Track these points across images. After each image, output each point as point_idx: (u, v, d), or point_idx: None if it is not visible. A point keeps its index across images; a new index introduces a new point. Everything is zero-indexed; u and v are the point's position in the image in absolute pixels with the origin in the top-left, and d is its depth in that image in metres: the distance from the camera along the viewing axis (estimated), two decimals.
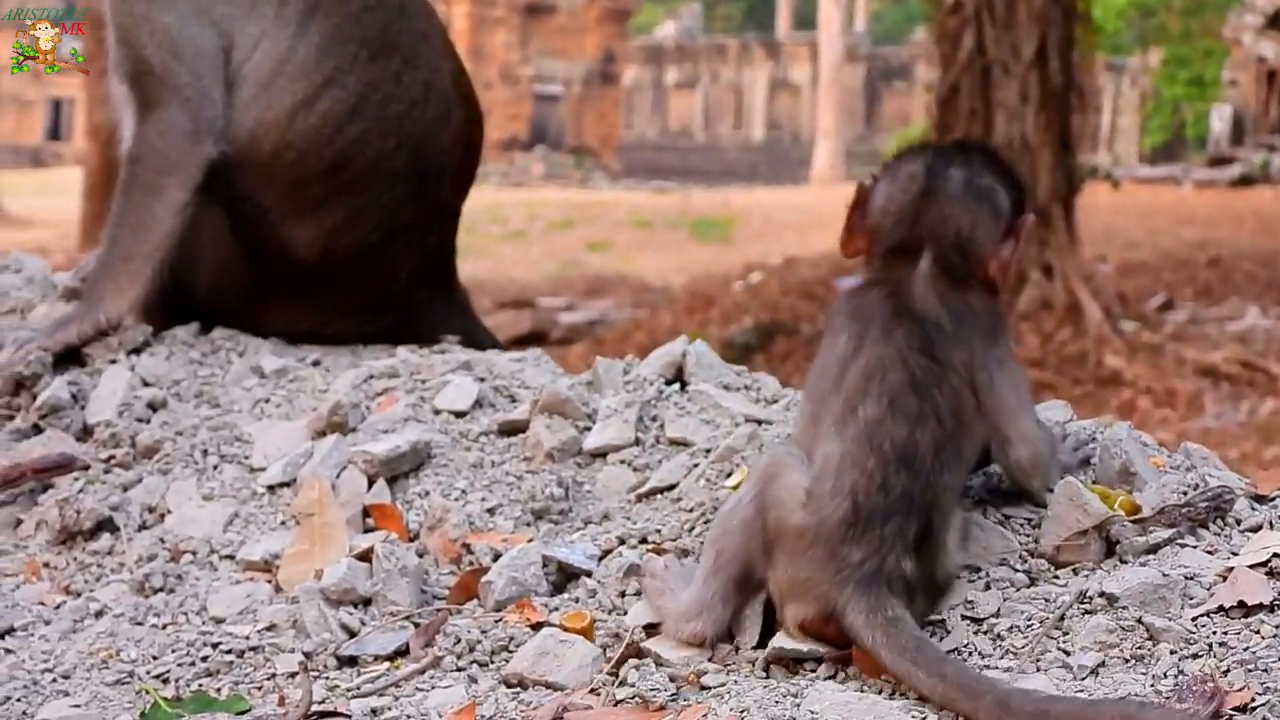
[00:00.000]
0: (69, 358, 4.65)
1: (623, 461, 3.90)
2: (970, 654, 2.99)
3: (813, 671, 3.01)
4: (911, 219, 3.17)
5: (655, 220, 32.88)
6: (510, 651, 3.31)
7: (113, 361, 4.61)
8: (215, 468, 4.22)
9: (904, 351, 3.04)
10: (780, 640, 3.05)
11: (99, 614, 3.81)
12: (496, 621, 3.42)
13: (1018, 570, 3.20)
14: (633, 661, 3.15)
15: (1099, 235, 23.05)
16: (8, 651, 3.72)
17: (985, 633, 3.04)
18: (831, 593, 2.96)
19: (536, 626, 3.35)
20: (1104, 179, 27.07)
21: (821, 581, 2.97)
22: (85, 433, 4.43)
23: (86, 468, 4.27)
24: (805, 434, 3.16)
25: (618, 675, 3.13)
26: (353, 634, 3.50)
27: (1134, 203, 30.45)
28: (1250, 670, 2.76)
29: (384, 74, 4.79)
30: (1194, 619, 2.94)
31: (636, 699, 3.03)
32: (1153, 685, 2.80)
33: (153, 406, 4.44)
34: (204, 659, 3.52)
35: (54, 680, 3.56)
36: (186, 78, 4.68)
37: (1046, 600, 3.08)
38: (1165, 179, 39.52)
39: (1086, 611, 3.01)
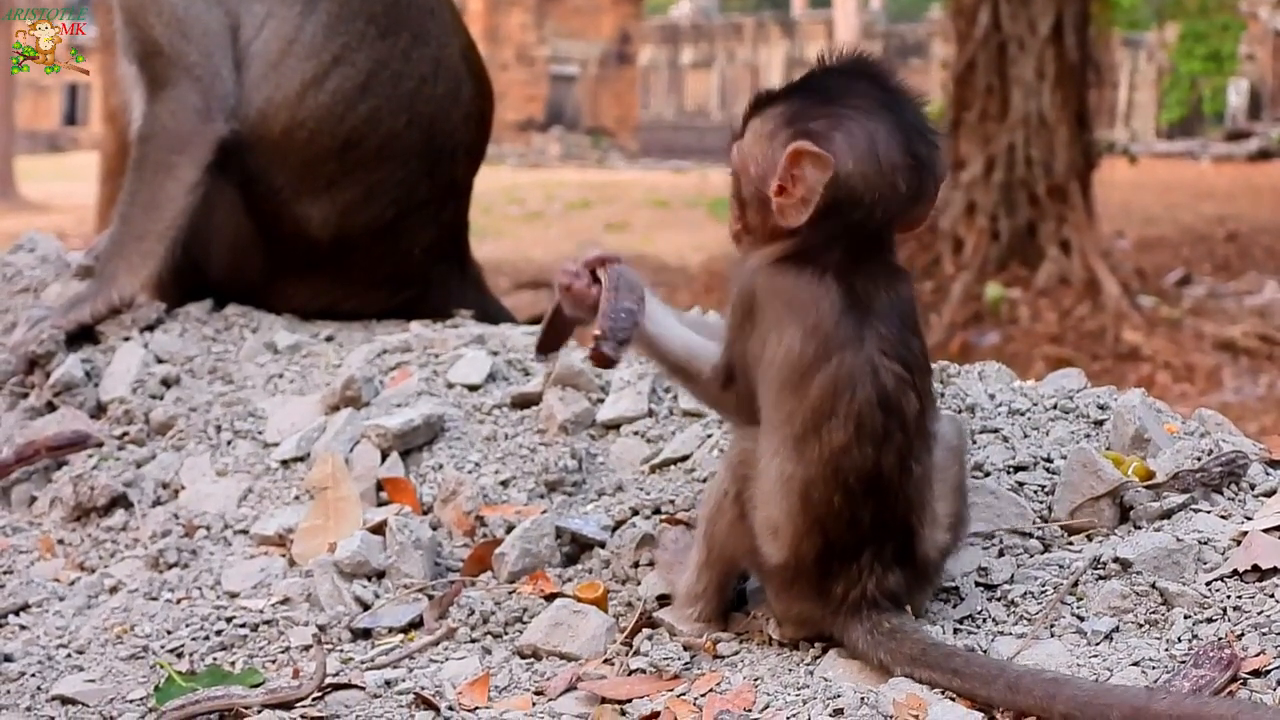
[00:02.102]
0: (82, 335, 4.66)
1: (636, 433, 3.89)
2: (984, 620, 2.99)
3: (826, 640, 3.00)
4: (899, 204, 2.91)
5: (673, 200, 32.80)
6: (524, 623, 3.31)
7: (126, 339, 4.61)
8: (229, 443, 4.22)
9: (875, 361, 2.86)
10: (779, 633, 3.06)
11: (113, 590, 3.81)
12: (510, 593, 3.42)
13: (1031, 537, 3.19)
14: (646, 631, 3.15)
15: (1117, 211, 23.00)
16: (23, 628, 3.73)
17: (999, 599, 3.03)
18: (825, 622, 2.95)
19: (550, 597, 3.35)
20: (1121, 154, 26.98)
21: (813, 612, 2.95)
22: (99, 410, 4.44)
23: (100, 444, 4.27)
24: (758, 416, 2.96)
25: (631, 645, 3.13)
26: (367, 607, 3.50)
27: (1151, 178, 30.35)
28: (1265, 634, 2.75)
29: (393, 51, 4.78)
30: (1208, 583, 2.93)
31: (650, 668, 3.03)
32: (1167, 650, 2.79)
33: (166, 383, 4.44)
34: (218, 633, 3.52)
35: (69, 655, 3.56)
36: (196, 56, 4.68)
37: (1060, 566, 3.08)
38: (1183, 154, 39.45)
39: (1100, 577, 3.00)
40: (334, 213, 4.78)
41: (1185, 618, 2.86)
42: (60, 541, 4.08)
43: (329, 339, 4.67)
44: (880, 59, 3.06)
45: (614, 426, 3.94)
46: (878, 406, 2.85)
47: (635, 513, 3.56)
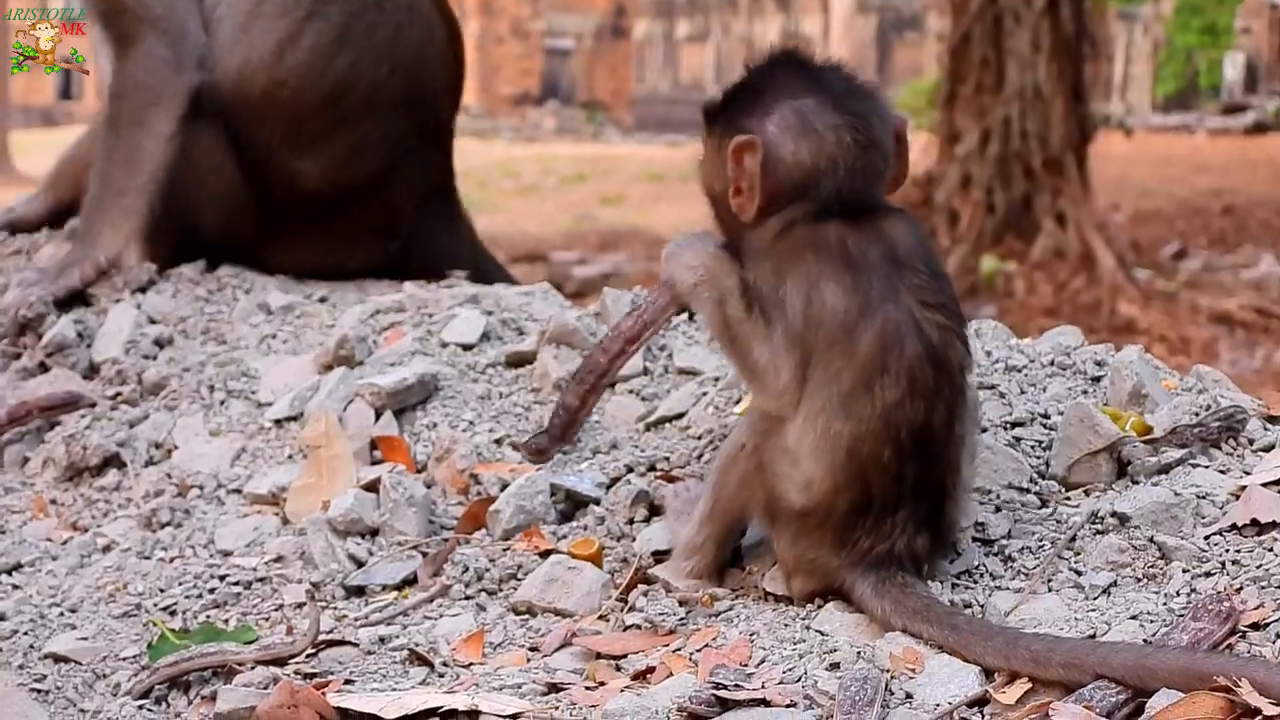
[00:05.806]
0: (74, 297, 4.64)
1: (631, 391, 3.88)
2: (981, 575, 2.98)
3: (831, 594, 2.98)
4: (861, 161, 2.91)
5: (668, 173, 32.70)
6: (518, 579, 3.30)
7: (118, 300, 4.59)
8: (222, 403, 4.20)
9: (916, 314, 2.85)
10: (775, 588, 3.04)
11: (106, 549, 3.80)
12: (505, 550, 3.40)
13: (1029, 492, 3.18)
14: (641, 587, 3.14)
15: (1112, 184, 22.95)
16: (15, 587, 3.72)
17: (997, 554, 3.02)
18: (840, 572, 2.92)
19: (545, 554, 3.33)
20: (1117, 128, 26.97)
21: (829, 561, 2.92)
22: (91, 370, 4.42)
23: (93, 405, 4.26)
24: (782, 371, 2.88)
25: (626, 601, 3.12)
26: (360, 564, 3.49)
27: (1147, 151, 30.31)
28: (1264, 588, 2.74)
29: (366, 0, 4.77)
30: (1206, 538, 2.92)
31: (646, 624, 3.02)
32: (1165, 604, 2.78)
33: (159, 343, 4.43)
34: (211, 591, 3.51)
35: (61, 614, 3.55)
36: (160, 10, 4.65)
37: (1058, 521, 3.07)
38: (1178, 127, 39.35)
39: (1098, 532, 2.99)
40: (326, 167, 4.77)
41: (1184, 571, 2.85)
42: (53, 501, 4.07)
43: (322, 299, 4.66)
44: (798, 46, 3.10)
45: (609, 384, 3.92)
46: (927, 361, 2.84)
47: (630, 470, 3.55)
